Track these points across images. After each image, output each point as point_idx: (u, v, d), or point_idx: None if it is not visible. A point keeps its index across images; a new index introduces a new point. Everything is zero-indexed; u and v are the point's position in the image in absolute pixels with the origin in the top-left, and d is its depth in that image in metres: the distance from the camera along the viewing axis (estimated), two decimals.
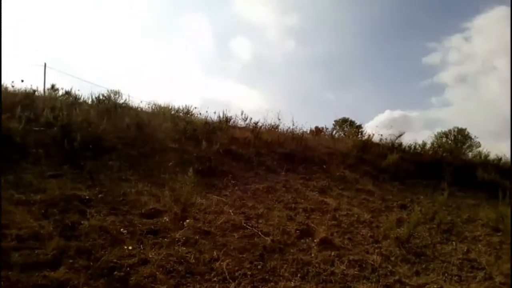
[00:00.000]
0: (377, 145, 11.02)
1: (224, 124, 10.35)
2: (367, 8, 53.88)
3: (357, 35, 58.97)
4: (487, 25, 59.01)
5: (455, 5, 54.40)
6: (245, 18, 55.51)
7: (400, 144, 11.19)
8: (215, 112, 11.26)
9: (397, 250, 4.73)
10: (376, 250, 4.64)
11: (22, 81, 9.66)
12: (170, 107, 11.48)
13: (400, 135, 11.23)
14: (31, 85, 9.76)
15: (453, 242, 5.39)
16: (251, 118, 11.21)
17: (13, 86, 9.29)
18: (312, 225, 5.20)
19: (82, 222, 3.97)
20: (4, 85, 9.03)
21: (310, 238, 4.73)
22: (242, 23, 56.92)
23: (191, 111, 12.01)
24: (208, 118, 11.12)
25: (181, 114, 11.47)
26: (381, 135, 11.40)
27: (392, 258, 4.50)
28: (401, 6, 54.44)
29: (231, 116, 11.25)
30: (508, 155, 11.34)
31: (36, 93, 9.39)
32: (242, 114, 11.31)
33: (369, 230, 5.43)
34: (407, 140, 11.86)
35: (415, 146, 11.47)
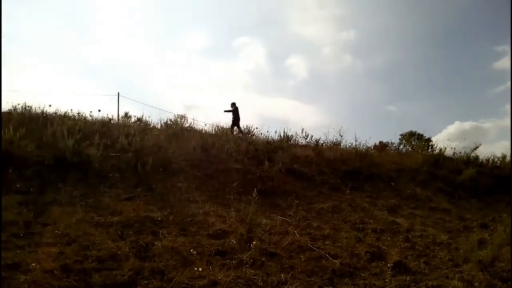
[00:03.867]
0: (450, 159, 10.33)
1: (285, 143, 10.38)
2: (427, 15, 51.53)
3: (418, 44, 56.33)
4: None
5: None
6: (300, 36, 55.82)
7: (476, 158, 10.38)
8: (275, 131, 11.39)
9: (480, 275, 4.30)
10: (457, 275, 4.26)
11: (99, 111, 10.55)
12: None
13: (476, 148, 10.45)
14: (107, 114, 10.63)
15: None
16: (312, 136, 11.16)
17: (91, 116, 10.17)
18: (383, 247, 4.94)
19: (155, 243, 4.16)
20: (84, 115, 9.94)
21: (383, 262, 4.47)
22: (297, 42, 57.21)
23: (252, 131, 12.25)
24: (268, 137, 11.26)
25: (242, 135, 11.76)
26: (454, 148, 10.69)
27: (475, 284, 4.10)
28: (465, 9, 51.38)
29: (291, 135, 11.28)
30: None
31: (112, 121, 10.18)
32: (302, 132, 11.30)
33: (447, 252, 5.03)
34: (484, 152, 11.00)
35: (493, 159, 10.57)
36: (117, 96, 15.60)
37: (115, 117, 12.55)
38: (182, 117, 11.92)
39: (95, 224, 4.52)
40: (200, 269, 3.69)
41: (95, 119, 9.98)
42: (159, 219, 4.85)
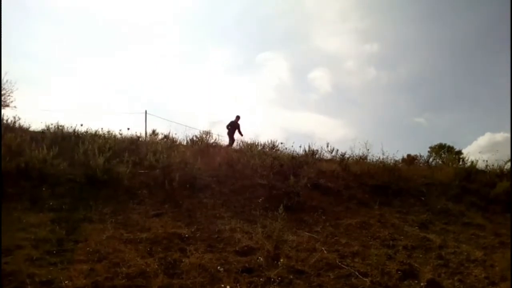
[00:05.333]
0: (483, 172, 9.96)
1: (310, 158, 10.30)
2: (453, 25, 50.63)
3: (445, 54, 55.28)
4: None
5: None
6: (322, 50, 55.93)
7: (510, 170, 9.95)
8: (300, 146, 11.32)
9: None
10: None
11: (128, 129, 10.90)
12: (256, 144, 11.85)
13: (509, 160, 10.03)
14: (135, 132, 10.95)
15: None
16: (337, 150, 11.03)
17: (120, 134, 10.50)
18: (416, 264, 4.78)
19: (182, 259, 4.19)
20: (113, 133, 10.27)
21: (415, 280, 4.31)
22: (320, 55, 57.34)
23: (277, 146, 12.24)
24: (293, 152, 11.21)
25: (267, 149, 11.75)
26: (486, 161, 10.31)
27: None
28: (491, 17, 50.14)
29: (316, 149, 11.18)
30: None
31: (140, 138, 10.46)
32: (327, 146, 11.19)
33: (482, 270, 4.81)
34: None
35: None
36: (144, 114, 16.04)
37: (143, 134, 12.89)
38: (207, 133, 12.09)
39: (125, 241, 4.61)
40: (228, 286, 3.68)
41: (124, 137, 10.29)
42: (187, 235, 4.90)
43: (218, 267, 4.10)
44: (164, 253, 4.34)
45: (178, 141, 11.25)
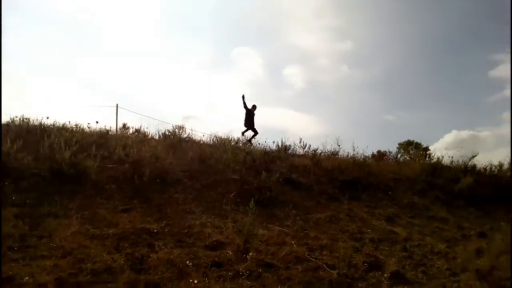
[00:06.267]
0: (448, 168, 10.31)
1: (283, 153, 10.36)
2: (423, 25, 52.06)
3: (415, 54, 56.75)
4: None
5: None
6: (296, 46, 56.24)
7: (474, 166, 10.35)
8: (273, 141, 11.36)
9: (478, 284, 4.27)
10: (455, 284, 4.24)
11: (97, 122, 10.57)
12: (229, 139, 11.80)
13: (474, 156, 10.42)
14: (104, 126, 10.65)
15: None
16: (310, 146, 11.13)
17: (89, 128, 10.18)
18: (381, 257, 4.91)
19: (150, 255, 4.14)
20: (81, 127, 9.96)
21: (380, 272, 4.44)
22: (294, 52, 57.63)
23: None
24: (266, 147, 11.24)
25: (240, 145, 11.73)
26: (451, 157, 10.67)
27: None
28: (460, 18, 51.92)
29: (289, 145, 11.25)
30: None
31: (110, 132, 10.19)
32: (300, 142, 11.28)
33: (445, 262, 4.99)
34: (481, 161, 10.98)
35: (491, 168, 10.56)
36: (115, 108, 15.66)
37: (114, 128, 12.57)
38: (180, 127, 11.92)
39: (91, 236, 4.50)
40: (196, 281, 3.67)
41: (93, 130, 10.00)
42: (155, 231, 4.83)
43: (187, 262, 4.08)
44: (131, 248, 4.27)
45: (150, 135, 11.04)
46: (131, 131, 11.72)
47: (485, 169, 10.50)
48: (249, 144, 11.86)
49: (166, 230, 4.94)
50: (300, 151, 11.23)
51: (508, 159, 10.81)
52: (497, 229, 6.77)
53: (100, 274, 3.63)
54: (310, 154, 10.79)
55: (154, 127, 15.61)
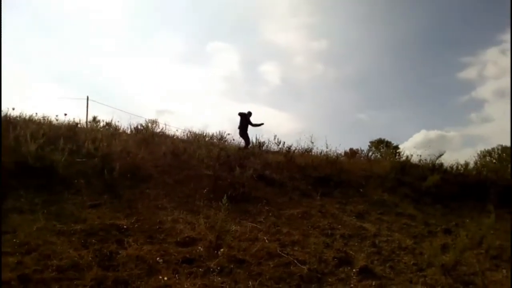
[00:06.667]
0: (417, 166, 10.67)
1: (257, 149, 10.40)
2: (395, 27, 53.40)
3: (388, 54, 58.42)
4: None
5: (488, 17, 53.00)
6: (272, 43, 56.47)
7: (441, 165, 10.77)
8: None
9: (443, 279, 4.43)
10: (421, 279, 4.37)
11: (65, 114, 10.23)
12: (204, 134, 11.72)
13: (441, 155, 10.85)
14: (74, 118, 10.32)
15: (504, 269, 5.00)
16: (284, 142, 11.24)
17: (57, 120, 9.85)
18: (351, 252, 5.01)
19: (119, 251, 4.04)
20: (49, 119, 9.61)
21: (349, 267, 4.53)
22: (270, 49, 57.90)
23: (225, 137, 12.21)
24: (241, 143, 11.26)
25: (215, 140, 11.67)
26: (420, 155, 11.06)
27: None
28: (431, 21, 53.60)
29: (264, 141, 11.32)
30: None
31: (79, 125, 9.89)
32: (275, 138, 11.36)
33: (412, 257, 5.15)
34: (448, 160, 11.44)
35: (457, 166, 11.04)
36: (86, 100, 15.21)
37: (84, 121, 12.22)
38: (154, 122, 11.73)
39: (57, 232, 4.34)
40: (166, 278, 3.61)
41: (62, 123, 9.67)
42: (125, 227, 4.72)
43: (157, 259, 4.00)
44: (99, 245, 4.14)
45: (122, 129, 10.80)
46: (101, 124, 11.44)
47: (451, 167, 10.95)
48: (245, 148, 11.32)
49: (136, 226, 4.83)
50: (275, 147, 11.34)
51: (474, 159, 11.32)
52: (462, 226, 7.06)
53: (66, 270, 3.51)
54: (284, 151, 10.89)
55: (126, 121, 15.28)
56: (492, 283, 4.53)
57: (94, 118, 11.94)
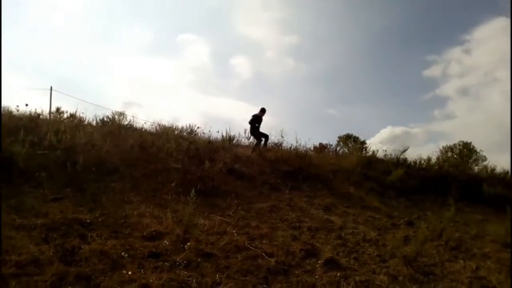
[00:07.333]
0: (382, 161, 11.00)
1: (227, 143, 10.37)
2: (365, 25, 54.62)
3: (357, 51, 59.77)
4: (487, 36, 59.62)
5: (453, 17, 55.17)
6: (244, 37, 56.39)
7: (405, 160, 11.16)
8: (218, 131, 11.37)
9: (404, 269, 4.59)
10: (383, 270, 4.51)
11: (27, 105, 9.76)
12: (173, 127, 11.56)
13: (405, 150, 11.25)
14: (36, 109, 9.88)
15: (462, 260, 5.25)
16: None
17: (18, 110, 9.41)
18: (317, 244, 5.10)
19: (82, 246, 3.91)
20: (10, 109, 9.16)
21: (315, 259, 4.61)
22: (241, 42, 57.85)
23: (195, 131, 12.09)
24: (211, 137, 11.19)
25: (184, 133, 11.53)
26: (385, 151, 11.42)
27: (400, 278, 4.37)
28: (399, 20, 55.18)
29: (234, 135, 11.30)
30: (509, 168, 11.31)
31: (41, 116, 9.48)
32: (245, 132, 11.37)
33: (375, 249, 5.30)
34: (412, 155, 11.89)
35: (420, 161, 11.47)
36: (49, 91, 14.60)
37: (47, 112, 11.74)
38: (121, 114, 11.45)
39: (17, 226, 4.15)
40: (130, 272, 3.53)
41: (23, 114, 9.24)
42: (88, 221, 4.57)
43: (122, 253, 3.91)
44: (61, 239, 4.00)
45: (87, 121, 10.46)
46: (65, 116, 11.04)
47: (415, 162, 11.37)
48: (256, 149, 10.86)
49: (100, 220, 4.69)
50: (245, 141, 11.34)
51: (436, 154, 11.80)
52: (423, 218, 7.35)
53: (26, 266, 3.37)
54: (254, 145, 10.91)
55: (92, 113, 14.83)
56: (451, 273, 4.73)
57: (58, 109, 11.50)
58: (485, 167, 12.48)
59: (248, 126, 11.52)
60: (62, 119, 10.16)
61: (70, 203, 5.07)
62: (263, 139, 11.28)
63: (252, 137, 11.72)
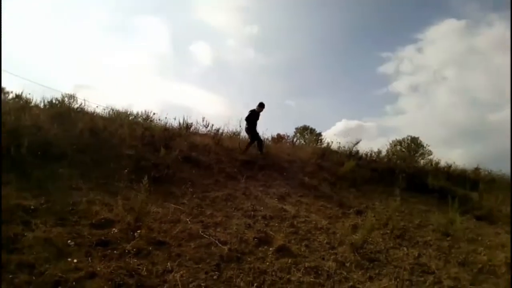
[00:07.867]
0: (336, 152, 11.34)
1: (184, 131, 10.21)
2: (325, 20, 55.69)
3: (316, 45, 60.82)
4: (438, 36, 62.87)
5: (408, 17, 57.48)
6: (205, 23, 55.50)
7: (357, 152, 11.59)
8: (175, 118, 11.15)
9: (352, 256, 4.81)
10: (332, 257, 4.70)
11: None
12: (128, 113, 11.18)
13: (357, 143, 11.67)
14: None
15: (405, 247, 5.57)
16: (213, 125, 11.18)
17: None
18: (271, 232, 5.19)
19: (25, 234, 3.72)
20: None
21: (268, 246, 4.70)
22: (202, 28, 56.88)
23: (151, 117, 11.77)
24: (168, 124, 10.96)
25: (140, 119, 11.20)
26: (339, 143, 11.81)
27: (347, 264, 4.57)
28: (357, 16, 56.72)
29: (191, 123, 11.15)
30: (457, 163, 12.09)
31: None
32: (203, 120, 11.25)
33: (325, 236, 5.49)
34: (364, 148, 12.37)
35: (371, 154, 11.97)
36: None
37: None
38: (71, 96, 10.89)
39: None
40: (76, 260, 3.41)
41: None
42: (33, 207, 4.33)
43: (68, 241, 3.77)
44: (3, 226, 3.77)
45: (34, 102, 9.85)
46: (10, 96, 10.34)
47: (366, 155, 11.86)
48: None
49: (45, 207, 4.45)
50: (203, 129, 11.22)
51: (386, 147, 12.36)
52: (371, 208, 7.66)
53: None
54: (212, 133, 10.83)
55: (40, 95, 14.00)
56: (395, 260, 5.02)
57: (2, 90, 10.71)
58: (430, 161, 13.30)
59: (243, 124, 10.50)
60: (6, 100, 9.50)
61: (13, 188, 4.76)
62: (256, 142, 10.10)
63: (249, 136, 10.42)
